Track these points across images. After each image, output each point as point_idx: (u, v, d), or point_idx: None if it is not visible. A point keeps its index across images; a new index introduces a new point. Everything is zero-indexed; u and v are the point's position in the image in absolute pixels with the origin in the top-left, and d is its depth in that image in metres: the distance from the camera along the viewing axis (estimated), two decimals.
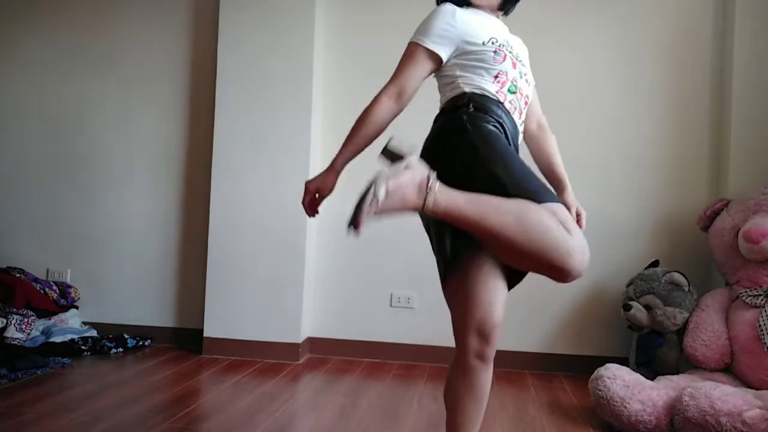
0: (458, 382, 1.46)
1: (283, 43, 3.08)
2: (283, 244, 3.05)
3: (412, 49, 1.55)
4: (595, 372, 2.28)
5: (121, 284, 3.35)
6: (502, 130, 1.49)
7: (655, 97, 3.00)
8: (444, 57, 1.53)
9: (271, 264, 3.06)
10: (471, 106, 1.49)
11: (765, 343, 2.30)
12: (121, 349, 3.11)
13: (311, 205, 1.68)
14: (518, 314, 3.02)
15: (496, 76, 1.53)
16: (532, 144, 1.77)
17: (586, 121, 3.04)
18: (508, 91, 1.54)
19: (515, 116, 1.56)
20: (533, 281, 3.06)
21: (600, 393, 2.18)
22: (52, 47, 3.45)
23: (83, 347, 3.03)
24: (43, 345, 2.97)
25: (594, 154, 3.03)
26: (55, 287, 3.26)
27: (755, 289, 2.45)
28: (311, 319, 3.20)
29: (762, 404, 1.93)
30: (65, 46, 3.44)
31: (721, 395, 1.97)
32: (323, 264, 3.18)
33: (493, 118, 1.48)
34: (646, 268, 2.78)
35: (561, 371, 2.94)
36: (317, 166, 3.17)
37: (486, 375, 1.45)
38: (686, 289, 2.63)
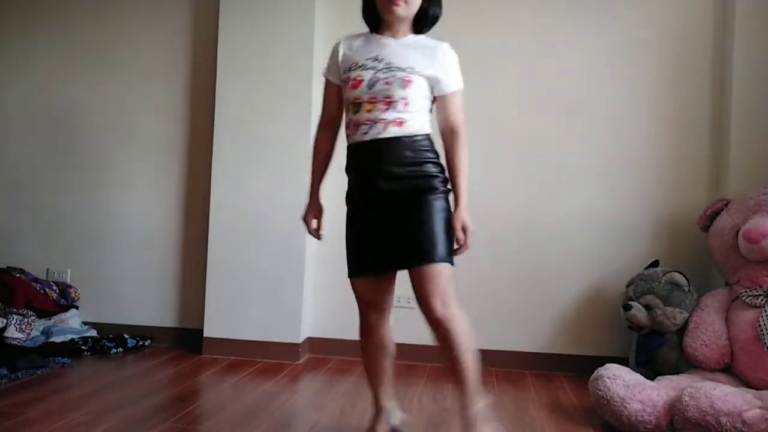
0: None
1: (283, 43, 3.09)
2: (283, 244, 3.05)
3: None
4: (595, 372, 2.28)
5: (121, 284, 3.35)
6: (353, 174, 1.85)
7: (655, 97, 3.00)
8: (334, 80, 1.88)
9: (271, 264, 3.06)
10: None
11: (765, 343, 2.30)
12: (121, 349, 3.11)
13: (315, 232, 2.01)
14: (518, 314, 3.02)
15: (346, 107, 1.85)
16: (444, 147, 1.84)
17: (586, 122, 3.04)
18: (353, 113, 1.79)
19: (361, 130, 1.76)
20: (533, 281, 3.08)
21: (600, 393, 2.18)
22: (53, 48, 3.45)
23: (83, 347, 3.03)
24: (43, 345, 2.97)
25: (594, 154, 3.03)
26: (55, 287, 3.26)
27: (755, 289, 2.45)
28: (311, 319, 3.20)
29: (762, 404, 1.93)
30: (65, 47, 3.44)
31: (721, 395, 1.97)
32: (323, 264, 3.18)
33: (349, 174, 1.86)
34: (646, 268, 2.78)
35: (561, 371, 2.94)
36: None
37: None
38: (686, 289, 2.63)
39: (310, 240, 3.10)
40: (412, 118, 1.75)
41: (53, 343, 3.00)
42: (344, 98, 1.82)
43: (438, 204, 1.74)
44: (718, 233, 2.62)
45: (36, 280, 3.26)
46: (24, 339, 2.93)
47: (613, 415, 2.13)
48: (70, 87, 3.43)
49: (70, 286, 3.33)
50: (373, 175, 1.75)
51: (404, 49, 1.79)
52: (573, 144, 3.05)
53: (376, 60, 1.76)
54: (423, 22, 1.84)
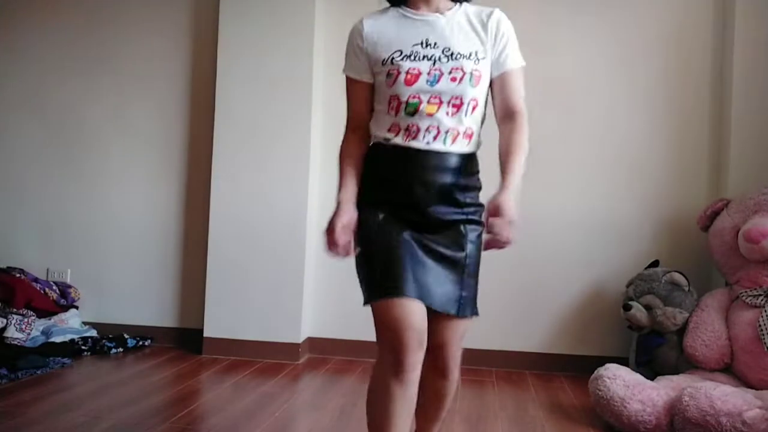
0: None
1: (283, 43, 3.08)
2: (283, 244, 3.05)
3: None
4: (595, 372, 2.28)
5: (121, 284, 3.35)
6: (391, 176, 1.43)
7: (655, 97, 3.00)
8: (366, 78, 1.46)
9: (271, 264, 3.06)
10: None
11: (765, 343, 2.30)
12: (121, 349, 3.11)
13: (345, 248, 1.43)
14: (518, 314, 3.02)
15: (389, 103, 1.41)
16: (501, 131, 1.48)
17: (586, 121, 3.04)
18: (406, 113, 1.39)
19: (420, 138, 1.39)
20: (533, 281, 3.08)
21: (600, 393, 2.18)
22: (52, 47, 3.45)
23: (83, 347, 3.03)
24: (43, 345, 2.96)
25: (594, 154, 3.03)
26: (55, 287, 3.26)
27: (755, 289, 2.45)
28: (311, 319, 3.20)
29: (762, 404, 1.93)
30: (65, 46, 3.44)
31: (721, 395, 1.97)
32: (323, 264, 3.17)
33: (381, 181, 1.45)
34: (646, 268, 2.78)
35: (561, 371, 2.94)
36: (317, 165, 3.17)
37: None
38: (686, 289, 2.63)
39: (310, 240, 3.12)
40: (478, 128, 1.45)
41: (53, 343, 3.00)
42: (380, 93, 1.43)
43: (479, 241, 1.44)
44: (718, 233, 2.62)
45: (36, 280, 3.26)
46: (24, 339, 2.93)
47: (613, 415, 2.13)
48: (69, 87, 3.43)
49: (70, 286, 3.33)
50: (427, 194, 1.39)
51: (459, 28, 1.42)
52: (573, 144, 3.05)
53: (429, 45, 1.39)
54: None
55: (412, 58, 1.38)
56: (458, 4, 1.46)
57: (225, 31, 3.14)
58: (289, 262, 3.05)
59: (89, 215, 3.39)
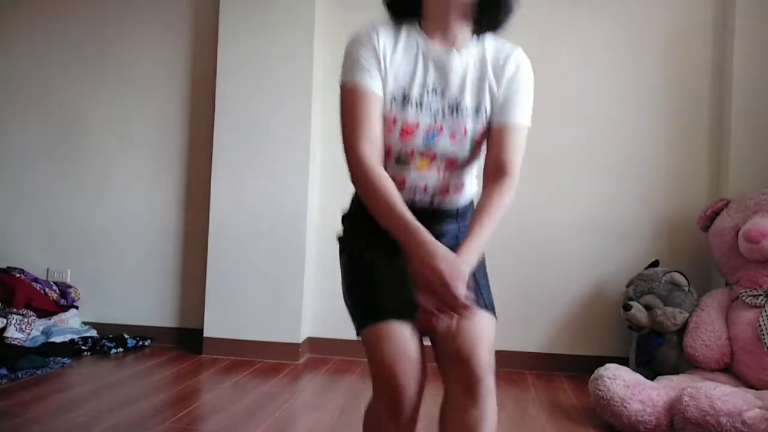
0: None
1: (283, 42, 3.08)
2: (283, 244, 3.05)
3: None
4: (595, 372, 2.28)
5: (121, 284, 3.35)
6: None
7: (655, 96, 3.00)
8: (377, 88, 1.22)
9: (271, 264, 3.06)
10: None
11: (765, 343, 2.30)
12: (121, 349, 3.11)
13: (466, 304, 1.09)
14: (518, 314, 3.02)
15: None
16: (483, 186, 1.28)
17: (586, 121, 3.04)
18: (395, 162, 1.25)
19: (407, 191, 1.25)
20: (533, 281, 3.07)
21: (600, 393, 2.18)
22: (53, 48, 3.45)
23: (83, 347, 3.03)
24: (43, 345, 2.96)
25: (594, 154, 3.03)
26: (55, 287, 3.26)
27: (755, 289, 2.45)
28: (311, 319, 3.20)
29: (762, 404, 1.93)
30: (65, 46, 3.44)
31: (721, 395, 1.97)
32: (323, 264, 3.18)
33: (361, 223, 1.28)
34: (646, 268, 2.78)
35: (561, 371, 2.94)
36: (317, 165, 3.17)
37: None
38: (686, 289, 2.63)
39: (310, 240, 3.12)
40: (471, 179, 1.33)
41: (53, 343, 3.00)
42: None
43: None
44: (718, 233, 2.62)
45: (36, 280, 3.26)
46: (24, 339, 2.93)
47: (613, 415, 2.13)
48: (69, 87, 3.43)
49: (70, 286, 3.33)
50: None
51: (472, 72, 1.23)
52: (573, 144, 3.05)
53: (435, 92, 1.22)
54: (491, 14, 1.23)
55: (414, 105, 1.21)
56: (476, 37, 1.26)
57: (225, 32, 3.14)
58: (289, 262, 3.05)
59: (89, 215, 3.39)
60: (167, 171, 3.33)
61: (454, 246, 1.17)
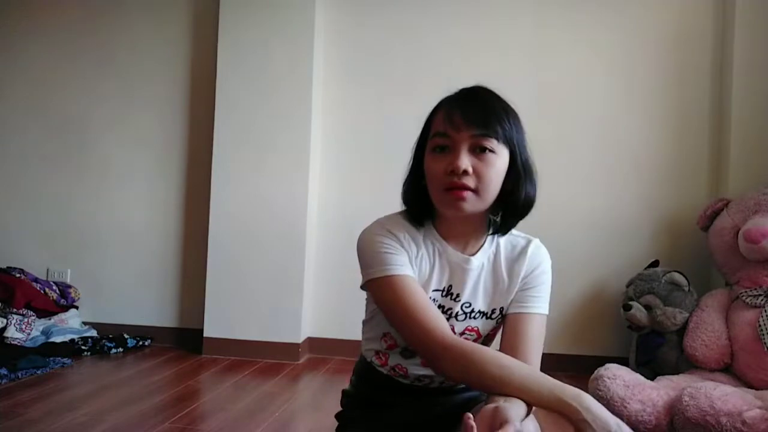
0: None
1: (283, 42, 3.09)
2: (283, 244, 3.05)
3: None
4: (595, 372, 2.28)
5: (121, 284, 3.35)
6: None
7: (655, 96, 3.00)
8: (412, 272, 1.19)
9: (271, 264, 3.06)
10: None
11: (765, 343, 2.30)
12: (121, 349, 3.12)
13: None
14: None
15: (383, 335, 1.25)
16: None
17: (586, 122, 3.04)
18: (400, 353, 1.24)
19: (409, 379, 1.25)
20: None
21: (600, 393, 2.17)
22: (52, 47, 3.45)
23: (83, 347, 3.03)
24: (43, 345, 2.97)
25: (594, 154, 3.03)
26: (55, 287, 3.26)
27: (755, 289, 2.45)
28: (311, 319, 3.20)
29: (762, 404, 1.93)
30: (65, 46, 3.44)
31: (721, 395, 1.97)
32: (323, 264, 3.18)
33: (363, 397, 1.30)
34: (646, 268, 2.78)
35: (561, 371, 2.94)
36: (317, 166, 3.18)
37: None
38: (686, 289, 2.63)
39: (310, 240, 3.12)
40: None
41: (53, 343, 3.01)
42: (375, 317, 1.26)
43: None
44: (718, 233, 2.62)
45: (36, 280, 3.26)
46: (24, 339, 2.93)
47: (613, 415, 2.13)
48: (70, 87, 3.43)
49: (70, 286, 3.33)
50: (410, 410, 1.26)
51: (486, 276, 1.20)
52: (572, 144, 3.05)
53: (450, 295, 1.18)
54: (511, 212, 1.17)
55: None
56: (490, 238, 1.21)
57: (225, 31, 3.14)
58: (289, 262, 3.05)
59: (89, 215, 3.39)
60: (167, 171, 3.34)
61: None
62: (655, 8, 3.01)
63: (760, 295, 2.41)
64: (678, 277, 2.63)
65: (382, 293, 1.13)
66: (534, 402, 1.01)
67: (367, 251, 1.15)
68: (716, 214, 2.68)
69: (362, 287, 1.19)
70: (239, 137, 3.12)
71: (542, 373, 1.05)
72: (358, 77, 3.18)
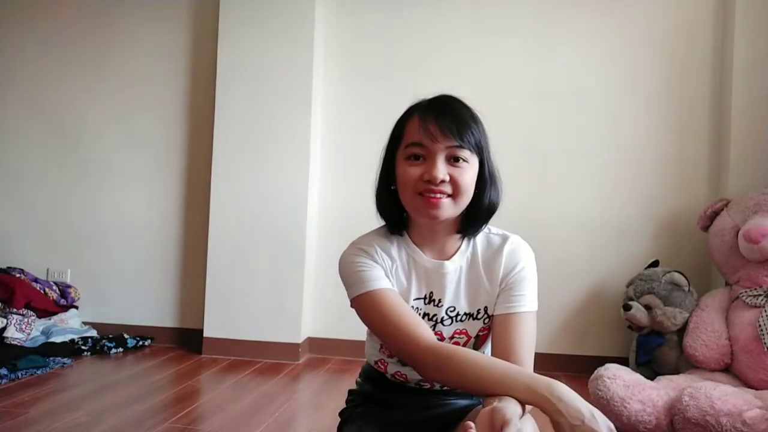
0: None
1: (283, 43, 3.09)
2: (283, 244, 3.05)
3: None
4: (595, 372, 2.28)
5: (121, 284, 3.35)
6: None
7: (655, 96, 3.00)
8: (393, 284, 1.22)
9: (271, 264, 3.06)
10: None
11: (765, 343, 2.29)
12: (121, 349, 3.12)
13: None
14: None
15: (381, 345, 1.26)
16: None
17: (586, 121, 3.04)
18: (398, 361, 1.24)
19: (409, 381, 1.27)
20: None
21: (600, 393, 2.17)
22: (52, 48, 3.45)
23: (83, 347, 3.03)
24: (43, 345, 2.97)
25: (594, 154, 3.03)
26: (55, 287, 3.26)
27: (755, 289, 2.45)
28: (311, 319, 3.20)
29: (762, 404, 1.93)
30: (65, 47, 3.44)
31: (721, 395, 1.97)
32: (323, 264, 3.18)
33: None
34: (646, 268, 2.78)
35: (561, 371, 2.94)
36: (317, 166, 3.17)
37: None
38: (686, 289, 2.62)
39: (310, 240, 3.12)
40: None
41: (53, 343, 3.00)
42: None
43: None
44: (718, 233, 2.62)
45: (36, 280, 3.26)
46: (24, 339, 2.93)
47: (613, 415, 2.13)
48: (69, 87, 3.43)
49: (70, 286, 3.33)
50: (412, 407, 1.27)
51: (466, 278, 1.21)
52: (573, 144, 3.05)
53: (432, 302, 1.19)
54: (474, 217, 1.19)
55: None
56: (466, 240, 1.22)
57: (225, 31, 3.14)
58: (289, 262, 3.05)
59: (89, 215, 3.39)
60: (167, 171, 3.34)
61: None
62: (654, 8, 3.01)
63: (760, 295, 2.41)
64: (678, 277, 2.63)
65: (364, 309, 1.16)
66: (513, 397, 1.01)
67: (346, 273, 1.19)
68: (716, 214, 2.68)
69: (351, 306, 1.21)
70: (239, 137, 3.12)
71: (518, 368, 1.06)
72: (358, 77, 3.18)
